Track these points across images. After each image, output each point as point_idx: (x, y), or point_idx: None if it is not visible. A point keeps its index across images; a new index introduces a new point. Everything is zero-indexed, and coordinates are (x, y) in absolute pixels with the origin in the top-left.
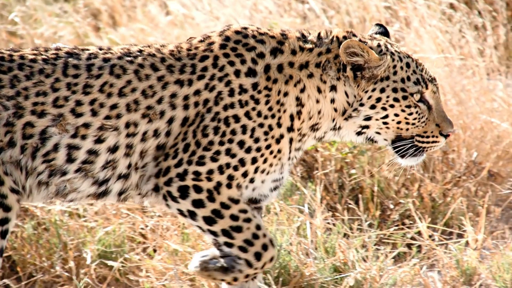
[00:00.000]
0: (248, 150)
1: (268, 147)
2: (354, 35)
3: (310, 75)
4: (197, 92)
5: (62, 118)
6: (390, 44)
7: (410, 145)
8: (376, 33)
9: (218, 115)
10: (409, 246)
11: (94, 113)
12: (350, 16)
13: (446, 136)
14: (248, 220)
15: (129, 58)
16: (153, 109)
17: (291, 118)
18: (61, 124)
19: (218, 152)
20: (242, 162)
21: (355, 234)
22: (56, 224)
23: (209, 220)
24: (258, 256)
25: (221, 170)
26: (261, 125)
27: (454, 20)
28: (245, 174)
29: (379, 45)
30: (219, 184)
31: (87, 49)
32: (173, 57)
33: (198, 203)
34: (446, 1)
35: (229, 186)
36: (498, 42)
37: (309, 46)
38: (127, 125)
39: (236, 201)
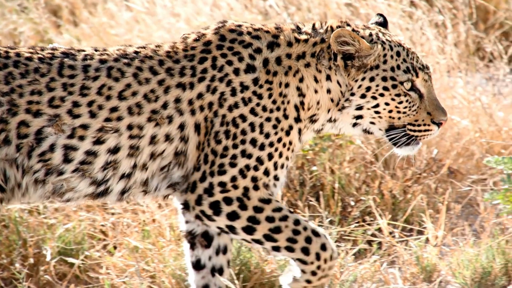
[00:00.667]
0: (262, 147)
1: (279, 140)
2: (348, 25)
3: (307, 65)
4: (200, 96)
5: (58, 119)
6: (383, 33)
7: (402, 134)
8: (375, 23)
9: (225, 118)
10: (369, 242)
11: (92, 115)
12: (311, 13)
13: (438, 125)
14: (284, 218)
15: (126, 61)
16: (159, 114)
17: (296, 108)
18: (57, 125)
19: (234, 156)
20: (259, 160)
21: None
22: (16, 221)
23: (248, 230)
24: (306, 251)
25: (243, 174)
26: (268, 119)
27: (415, 17)
28: (266, 172)
29: (370, 34)
30: (246, 189)
31: (83, 50)
32: (170, 59)
33: (232, 216)
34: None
35: (256, 188)
36: (458, 39)
37: (304, 37)
38: (130, 127)
39: (267, 201)
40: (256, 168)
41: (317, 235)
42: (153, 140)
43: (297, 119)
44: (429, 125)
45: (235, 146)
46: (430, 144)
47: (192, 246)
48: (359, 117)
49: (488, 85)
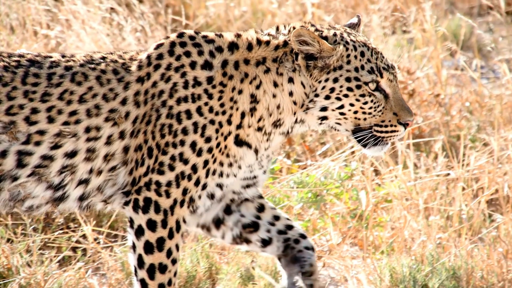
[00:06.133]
0: (200, 153)
1: (218, 145)
2: (313, 25)
3: (267, 71)
4: (154, 84)
5: (13, 126)
6: (348, 34)
7: (369, 135)
8: (349, 24)
9: (171, 110)
10: (74, 249)
11: (51, 120)
12: (10, 18)
13: (405, 125)
14: (173, 262)
15: (91, 65)
16: (118, 112)
17: (242, 115)
18: (12, 132)
19: (173, 158)
20: (194, 168)
21: (19, 238)
22: None
23: (148, 249)
24: None
25: (177, 182)
26: (212, 122)
27: (114, 23)
28: (197, 182)
29: (335, 34)
30: (175, 202)
31: (50, 57)
32: (131, 60)
33: (152, 225)
34: (106, 6)
35: (182, 203)
36: None
37: (266, 38)
38: (88, 130)
39: (178, 228)
40: (189, 178)
41: None
42: (109, 139)
43: (239, 126)
44: (395, 126)
45: (174, 146)
46: None
47: None
48: (324, 118)
49: None
